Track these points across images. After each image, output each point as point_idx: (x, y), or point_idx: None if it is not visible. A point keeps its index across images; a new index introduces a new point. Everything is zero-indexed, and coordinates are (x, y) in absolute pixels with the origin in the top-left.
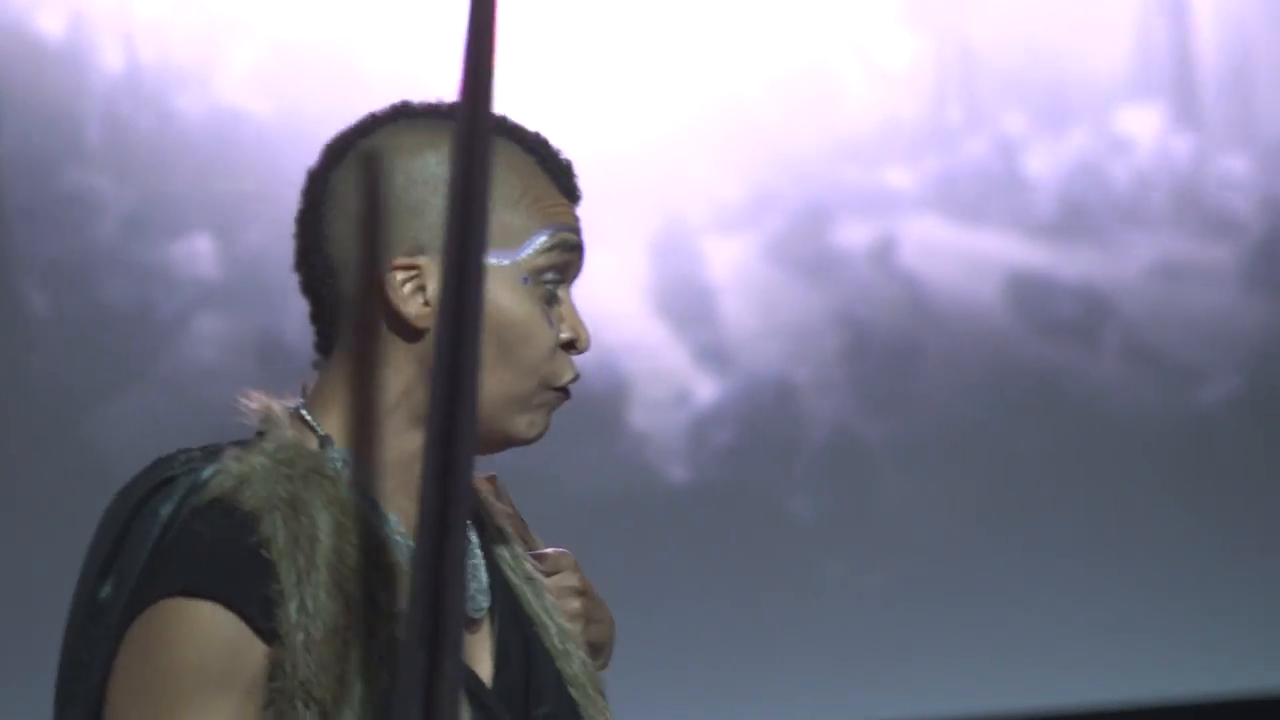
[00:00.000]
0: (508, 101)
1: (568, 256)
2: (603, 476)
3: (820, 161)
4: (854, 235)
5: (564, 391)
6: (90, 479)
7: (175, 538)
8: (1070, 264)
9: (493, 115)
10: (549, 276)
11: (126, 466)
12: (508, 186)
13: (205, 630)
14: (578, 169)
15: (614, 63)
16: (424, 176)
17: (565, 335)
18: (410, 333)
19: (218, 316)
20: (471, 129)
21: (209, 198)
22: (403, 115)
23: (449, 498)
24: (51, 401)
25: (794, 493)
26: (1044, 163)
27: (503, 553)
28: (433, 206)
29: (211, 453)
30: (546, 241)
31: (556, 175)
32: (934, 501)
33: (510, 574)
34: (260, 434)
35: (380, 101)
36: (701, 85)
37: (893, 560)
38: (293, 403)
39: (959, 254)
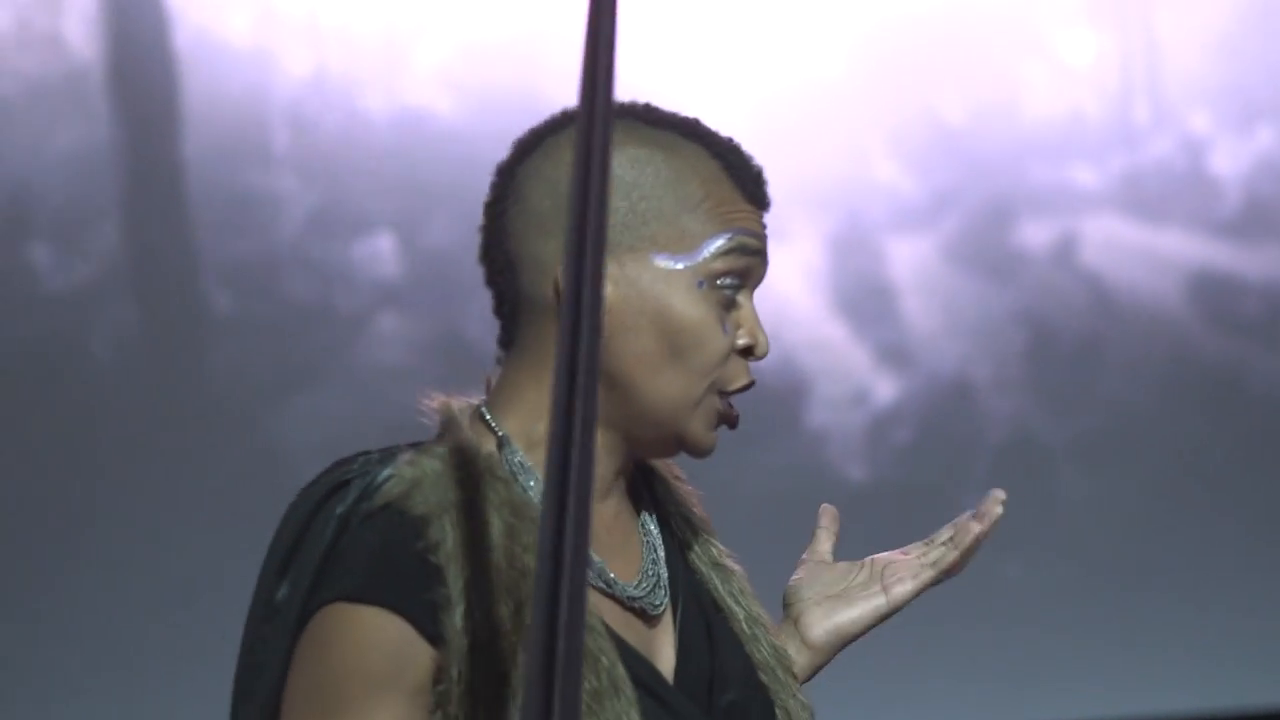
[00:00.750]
0: (692, 95)
1: (747, 261)
2: (782, 475)
3: (1003, 159)
4: (1036, 234)
5: (730, 407)
6: (271, 476)
7: (347, 542)
8: (1254, 263)
9: (688, 119)
10: (727, 281)
11: (307, 464)
12: (689, 190)
13: (370, 636)
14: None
15: (802, 62)
16: None
17: (742, 341)
18: None
19: (399, 315)
20: (591, 129)
21: (392, 197)
22: None
23: (567, 507)
24: (234, 399)
25: (973, 492)
26: (1229, 161)
27: (689, 539)
28: (611, 207)
29: (389, 455)
30: (724, 245)
31: (744, 182)
32: (1114, 502)
33: (697, 561)
34: (439, 435)
35: (562, 99)
36: (883, 81)
37: (1072, 560)
38: (475, 400)
39: (1142, 253)
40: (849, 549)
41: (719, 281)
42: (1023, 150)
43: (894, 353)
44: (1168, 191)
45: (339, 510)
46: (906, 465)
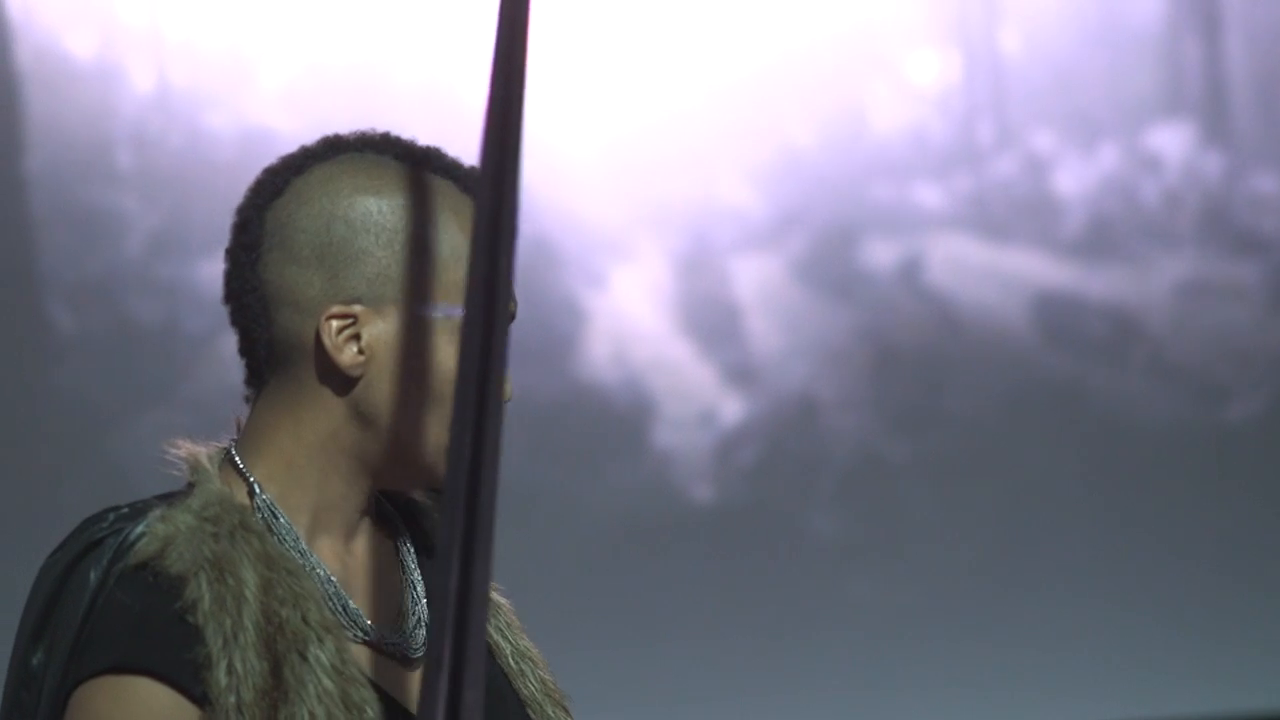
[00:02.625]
0: (537, 116)
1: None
2: (627, 495)
3: (848, 179)
4: (881, 254)
5: None
6: (116, 496)
7: (103, 607)
8: (1098, 282)
9: (432, 151)
10: None
11: (150, 485)
12: (451, 236)
13: (141, 707)
14: (602, 187)
15: (639, 79)
16: (366, 224)
17: None
18: (342, 379)
19: None
20: (502, 144)
21: None
22: (338, 150)
23: (474, 526)
24: (76, 419)
25: (819, 511)
26: (1073, 181)
27: None
28: (373, 255)
29: (139, 510)
30: None
31: None
32: (959, 520)
33: None
34: (190, 484)
35: (408, 119)
36: (729, 102)
37: (918, 580)
38: (224, 443)
39: (987, 272)
40: (696, 569)
41: None
42: (868, 170)
43: (740, 372)
44: (1011, 211)
45: (93, 573)
46: (753, 485)
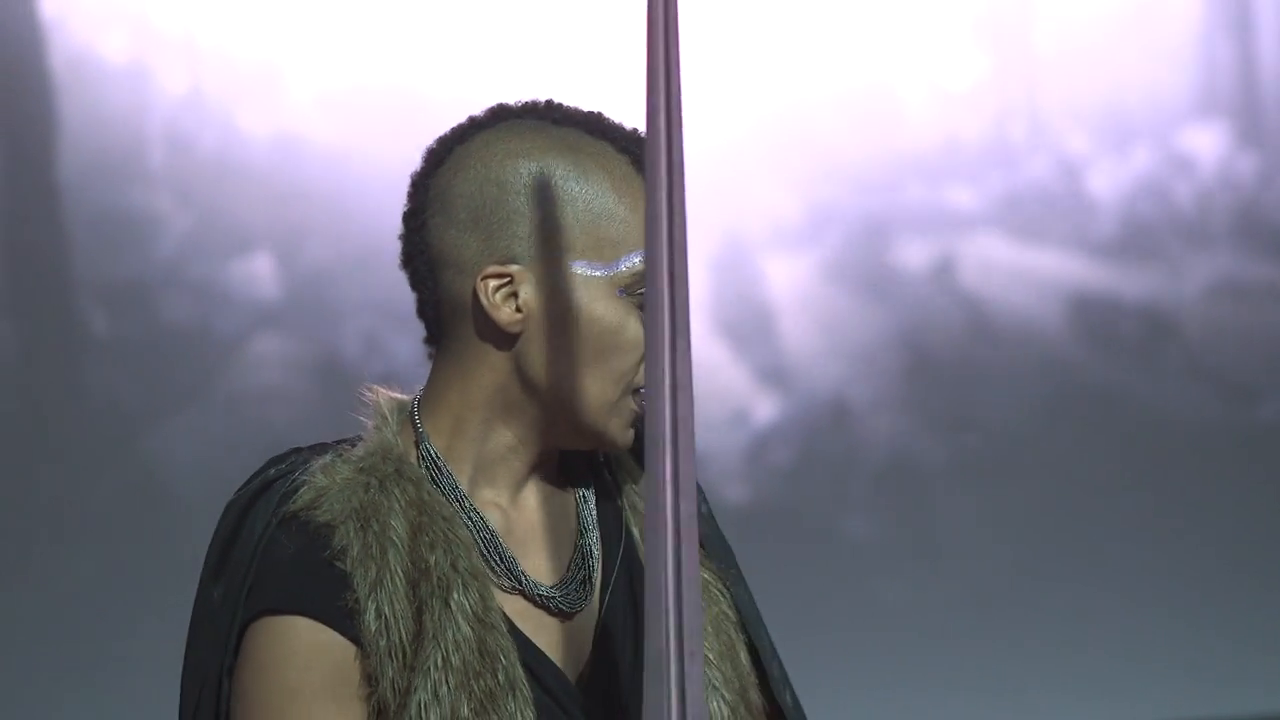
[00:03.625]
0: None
1: None
2: None
3: (882, 180)
4: (915, 254)
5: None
6: (147, 497)
7: (266, 549)
8: (1132, 283)
9: (592, 115)
10: (641, 289)
11: (183, 485)
12: (602, 196)
13: (302, 645)
14: None
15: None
16: (518, 185)
17: None
18: (503, 337)
19: (276, 337)
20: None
21: (269, 218)
22: (500, 119)
23: (679, 499)
24: (110, 420)
25: (851, 513)
26: (1106, 182)
27: (637, 503)
28: (525, 215)
29: (316, 451)
30: (640, 266)
31: None
32: (992, 522)
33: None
34: (375, 428)
35: (440, 127)
36: (763, 101)
37: (950, 581)
38: (409, 395)
39: (1020, 273)
40: None
41: (635, 289)
42: (901, 171)
43: (773, 373)
44: (1045, 212)
45: (261, 514)
46: (786, 486)
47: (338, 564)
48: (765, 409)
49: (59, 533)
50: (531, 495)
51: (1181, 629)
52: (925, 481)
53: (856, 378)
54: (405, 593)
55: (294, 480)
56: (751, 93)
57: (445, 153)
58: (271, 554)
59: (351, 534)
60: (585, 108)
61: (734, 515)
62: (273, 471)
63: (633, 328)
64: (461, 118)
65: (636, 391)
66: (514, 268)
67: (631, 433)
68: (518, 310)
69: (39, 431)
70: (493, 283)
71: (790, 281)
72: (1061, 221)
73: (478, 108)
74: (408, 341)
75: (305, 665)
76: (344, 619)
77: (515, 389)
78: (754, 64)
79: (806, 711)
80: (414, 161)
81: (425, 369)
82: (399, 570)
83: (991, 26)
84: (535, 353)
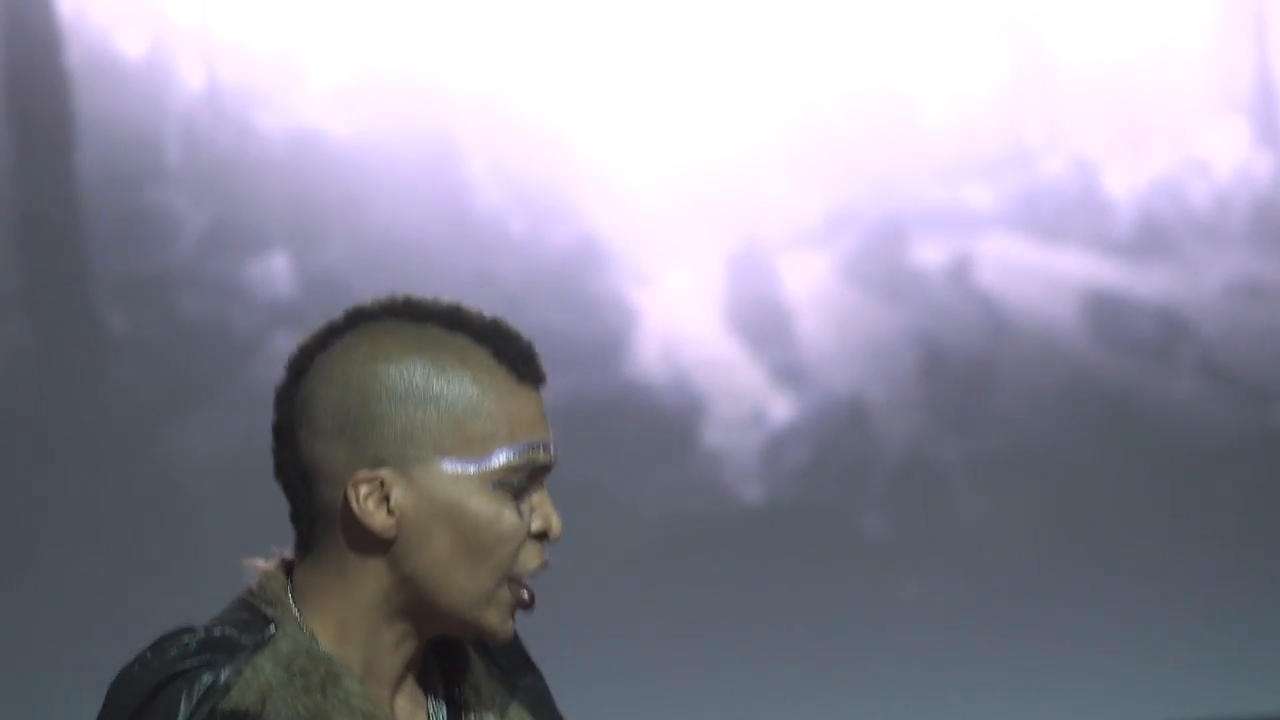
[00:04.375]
0: (587, 116)
1: (537, 468)
2: (677, 496)
3: (898, 180)
4: (931, 254)
5: (523, 593)
6: (167, 495)
7: None
8: (1148, 283)
9: (447, 308)
10: (517, 480)
11: (202, 483)
12: (465, 392)
13: None
14: (652, 186)
15: (690, 79)
16: (379, 390)
17: (537, 526)
18: (379, 542)
19: (294, 335)
20: None
21: (286, 216)
22: (357, 321)
23: None
24: (128, 418)
25: (868, 512)
26: (1123, 182)
27: (481, 712)
28: (389, 419)
29: (221, 643)
30: (513, 459)
31: (515, 364)
32: (1009, 521)
33: None
34: (265, 618)
35: (459, 119)
36: (780, 102)
37: (967, 580)
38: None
39: (1036, 273)
40: (745, 569)
41: (511, 480)
42: (917, 170)
43: (789, 372)
44: (1061, 212)
45: (183, 705)
46: (802, 485)
47: None
48: (781, 408)
49: (75, 530)
50: (404, 696)
51: (1198, 629)
52: (941, 480)
53: (873, 377)
54: None
55: (218, 676)
56: (770, 93)
57: (307, 361)
58: None
59: None
60: (441, 302)
61: (750, 514)
62: (179, 658)
63: (508, 518)
64: (479, 111)
65: (513, 580)
66: (384, 471)
67: (511, 624)
68: (389, 514)
69: (56, 429)
70: (364, 488)
71: (807, 281)
72: (1078, 221)
73: (494, 97)
74: None
75: None
76: None
77: (396, 591)
78: (772, 65)
79: (824, 705)
80: (432, 157)
81: None
82: None
83: (1008, 27)
84: (413, 554)
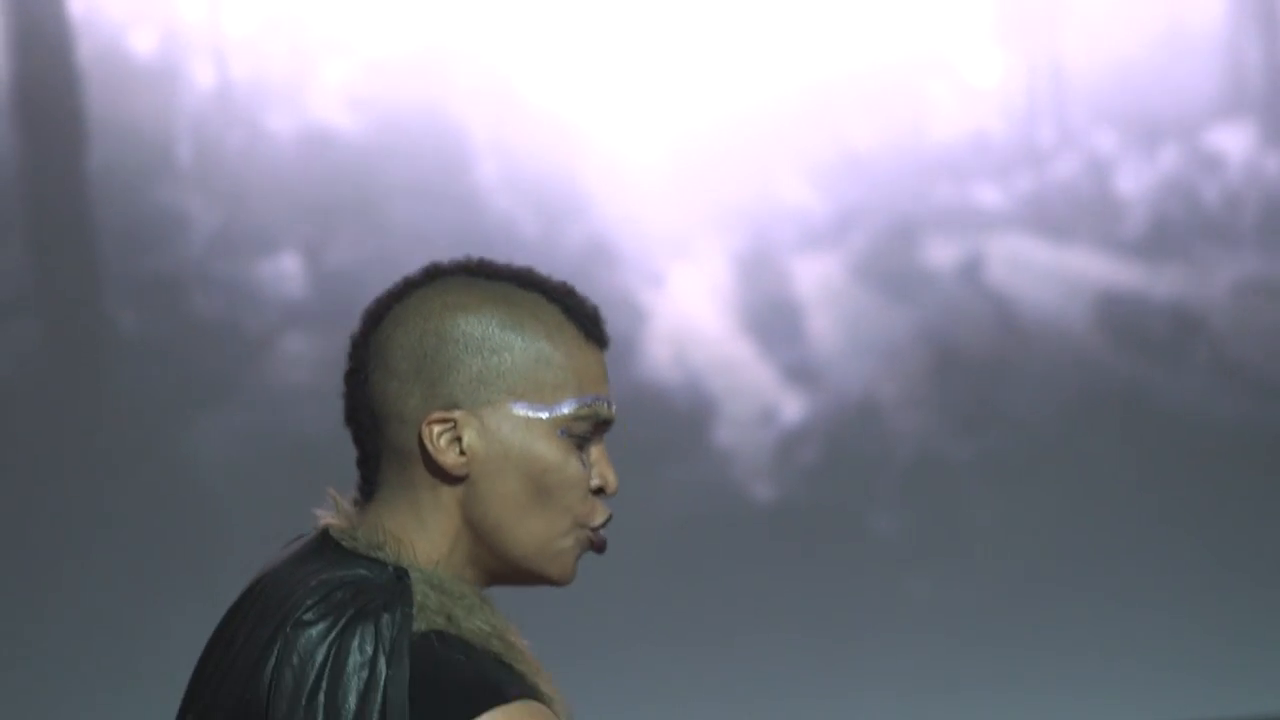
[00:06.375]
0: (599, 116)
1: (599, 421)
2: (689, 494)
3: (909, 179)
4: (942, 253)
5: (597, 535)
6: (179, 495)
7: (442, 669)
8: (1159, 282)
9: (522, 271)
10: (582, 429)
11: (215, 482)
12: (537, 342)
13: (546, 715)
14: (662, 187)
15: (701, 80)
16: (456, 335)
17: (595, 482)
18: (451, 482)
19: (305, 335)
20: None
21: (296, 216)
22: (434, 277)
23: None
24: (139, 418)
25: (879, 510)
26: (1134, 181)
27: None
28: (465, 363)
29: (380, 590)
30: (579, 409)
31: (584, 323)
32: (1021, 520)
33: None
34: (380, 562)
35: (471, 118)
36: (791, 102)
37: (978, 579)
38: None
39: (1048, 272)
40: (757, 569)
41: (576, 429)
42: (929, 170)
43: (800, 372)
44: (1072, 211)
45: (370, 642)
46: (814, 484)
47: (509, 664)
48: (793, 407)
49: (88, 530)
50: None
51: (1208, 629)
52: (952, 479)
53: (884, 375)
54: (545, 680)
55: (392, 615)
56: (781, 94)
57: (383, 311)
58: (456, 670)
59: (497, 645)
60: (514, 264)
61: (762, 513)
62: (344, 603)
63: (574, 465)
64: (491, 110)
65: (581, 527)
66: (457, 413)
67: (570, 571)
68: (461, 454)
69: (68, 429)
70: (436, 428)
71: (818, 280)
72: (1089, 220)
73: (505, 95)
74: None
75: None
76: (549, 704)
77: (465, 529)
78: (783, 65)
79: (835, 703)
80: (444, 156)
81: None
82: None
83: (1019, 25)
84: (484, 494)
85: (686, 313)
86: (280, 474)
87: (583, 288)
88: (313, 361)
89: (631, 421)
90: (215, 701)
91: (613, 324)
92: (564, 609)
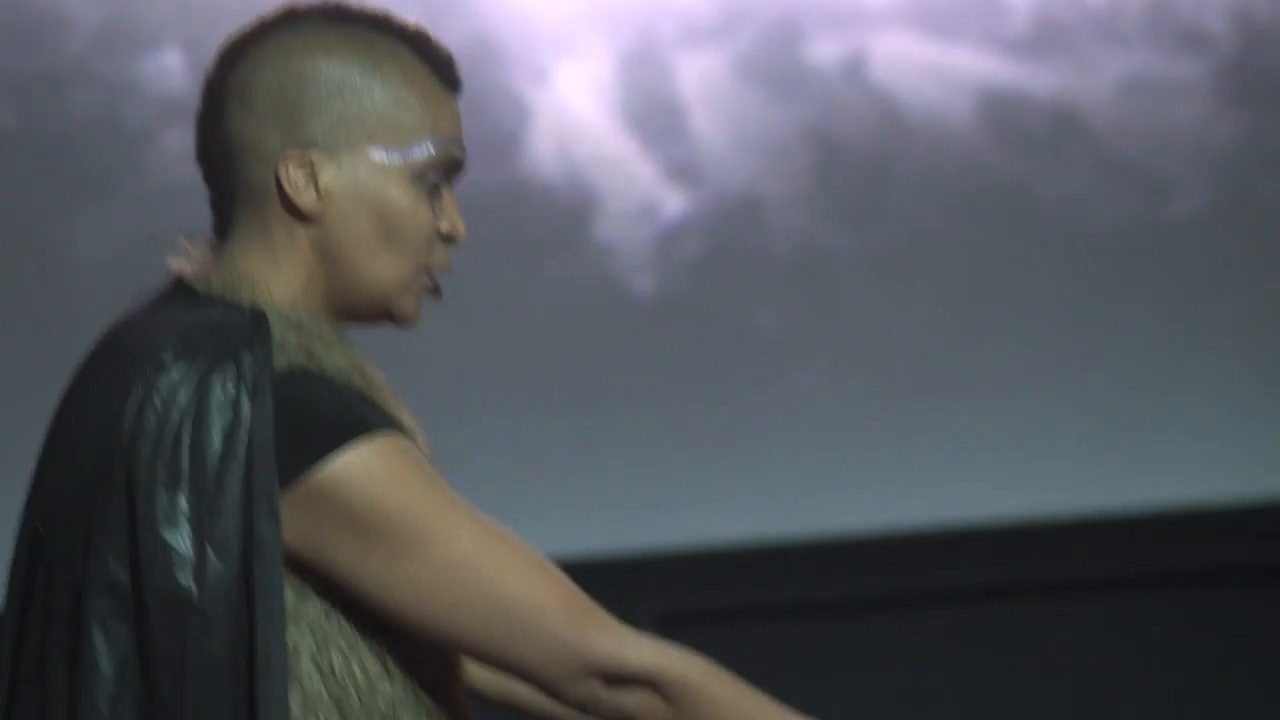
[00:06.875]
0: None
1: (453, 164)
2: (569, 290)
3: None
4: (825, 50)
5: (434, 281)
6: (60, 293)
7: (305, 405)
8: (1042, 79)
9: (381, 16)
10: (433, 176)
11: (97, 279)
12: (393, 86)
13: (410, 446)
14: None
15: None
16: (317, 77)
17: (444, 227)
18: (305, 221)
19: (187, 132)
20: None
21: (179, 11)
22: (292, 19)
23: None
24: (19, 215)
25: (762, 305)
26: None
27: None
28: (324, 104)
29: (221, 327)
30: (433, 153)
31: (438, 66)
32: (903, 313)
33: None
34: (235, 305)
35: None
36: None
37: (861, 370)
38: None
39: (931, 69)
40: (638, 364)
41: (427, 176)
42: None
43: (683, 168)
44: (957, 8)
45: (232, 381)
46: (695, 279)
47: (370, 398)
48: (674, 203)
49: None
50: None
51: (1090, 420)
52: (836, 275)
53: (767, 172)
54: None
55: (248, 357)
56: None
57: (240, 51)
58: (316, 405)
59: (357, 380)
60: (370, 7)
61: (643, 308)
62: (200, 345)
63: (423, 212)
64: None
65: (427, 271)
66: (315, 153)
67: (415, 312)
68: (317, 194)
69: None
70: (294, 166)
71: (701, 77)
72: (973, 17)
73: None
74: None
75: (424, 462)
76: (410, 436)
77: (318, 269)
78: None
79: (720, 498)
80: None
81: None
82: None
83: None
84: (337, 234)
85: (570, 109)
86: (163, 269)
87: (467, 85)
88: (194, 158)
89: (513, 216)
90: (74, 450)
91: (496, 120)
92: (445, 397)
